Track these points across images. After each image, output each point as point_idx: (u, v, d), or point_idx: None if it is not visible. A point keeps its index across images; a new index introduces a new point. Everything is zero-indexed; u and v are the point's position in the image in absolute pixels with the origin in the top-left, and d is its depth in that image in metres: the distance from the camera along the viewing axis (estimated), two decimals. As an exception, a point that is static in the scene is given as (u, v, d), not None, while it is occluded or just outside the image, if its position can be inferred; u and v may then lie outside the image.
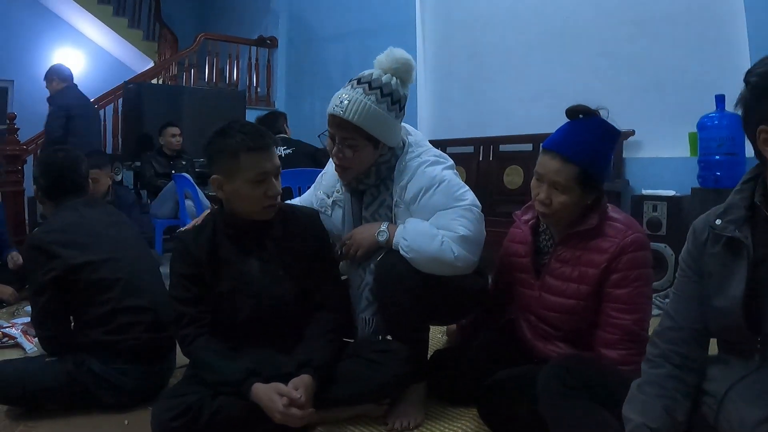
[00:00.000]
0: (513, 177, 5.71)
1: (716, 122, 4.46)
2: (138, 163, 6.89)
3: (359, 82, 2.35)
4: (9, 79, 11.40)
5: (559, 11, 6.07)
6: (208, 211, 2.45)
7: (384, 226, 2.38)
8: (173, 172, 6.39)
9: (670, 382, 1.63)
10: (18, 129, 6.54)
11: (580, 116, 2.17)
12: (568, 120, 2.20)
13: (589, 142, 2.12)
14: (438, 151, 2.53)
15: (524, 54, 6.37)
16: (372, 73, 2.36)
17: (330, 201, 2.59)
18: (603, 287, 2.14)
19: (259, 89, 9.51)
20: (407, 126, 2.57)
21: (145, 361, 2.50)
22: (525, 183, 5.56)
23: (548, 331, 2.32)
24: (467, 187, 2.43)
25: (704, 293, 1.63)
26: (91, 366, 2.41)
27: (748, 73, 1.47)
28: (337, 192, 2.57)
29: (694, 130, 4.70)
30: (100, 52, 12.45)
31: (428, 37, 7.44)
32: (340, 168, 2.42)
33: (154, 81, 8.96)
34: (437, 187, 2.35)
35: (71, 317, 2.56)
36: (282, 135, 5.27)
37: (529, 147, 5.69)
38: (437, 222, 2.31)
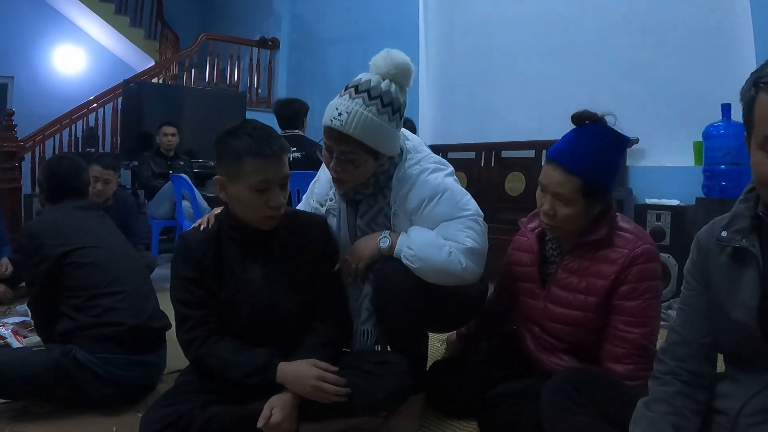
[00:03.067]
0: (515, 183, 5.70)
1: (722, 131, 4.46)
2: (135, 163, 6.83)
3: (357, 90, 2.22)
4: (9, 75, 11.37)
5: (563, 18, 6.05)
6: (217, 211, 2.37)
7: (386, 233, 2.31)
8: (171, 172, 6.36)
9: (679, 399, 1.58)
10: (16, 125, 6.53)
11: (587, 122, 2.11)
12: (574, 127, 2.14)
13: (593, 151, 2.06)
14: (437, 157, 2.46)
15: (527, 60, 6.36)
16: (370, 80, 2.23)
17: (323, 210, 2.52)
18: (611, 299, 2.09)
19: (259, 91, 9.51)
20: (404, 130, 2.47)
21: (129, 350, 2.49)
22: (527, 189, 5.57)
23: (553, 343, 2.26)
24: (470, 196, 2.37)
25: (713, 306, 1.58)
26: (76, 354, 2.40)
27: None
28: (330, 200, 2.50)
29: (699, 139, 4.71)
30: (101, 50, 12.44)
31: (431, 42, 7.43)
32: (338, 182, 2.33)
33: (155, 80, 8.93)
34: (441, 196, 2.28)
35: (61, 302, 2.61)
36: (297, 132, 5.14)
37: (531, 153, 5.70)
38: (443, 233, 2.25)
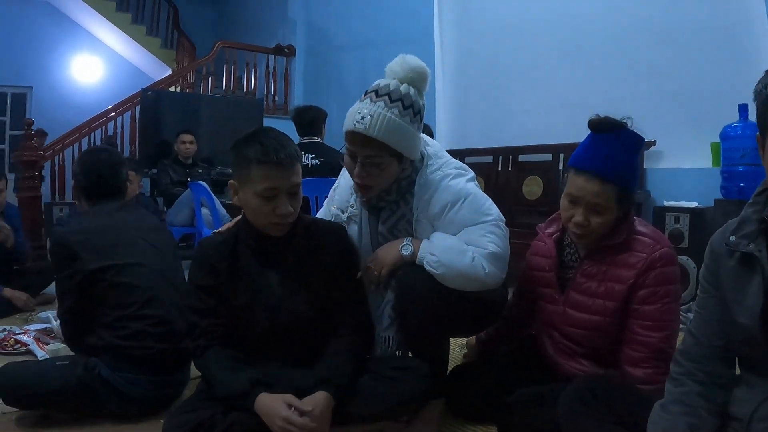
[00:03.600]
0: (532, 187, 5.67)
1: (739, 132, 4.42)
2: (154, 171, 6.88)
3: (378, 94, 2.22)
4: (28, 85, 11.48)
5: (579, 20, 6.03)
6: (238, 218, 2.37)
7: (407, 240, 2.31)
8: (189, 179, 6.40)
9: (695, 399, 1.58)
10: (35, 135, 6.57)
11: (607, 129, 2.08)
12: (593, 133, 2.11)
13: (623, 158, 2.05)
14: (458, 162, 2.46)
15: (544, 63, 6.34)
16: (389, 84, 2.24)
17: (345, 216, 2.52)
18: (630, 303, 2.08)
19: (276, 98, 9.56)
20: (425, 136, 2.47)
21: (153, 372, 2.47)
22: (544, 193, 5.55)
23: (571, 348, 2.26)
24: (491, 201, 2.38)
25: (724, 309, 1.58)
26: (101, 371, 2.38)
27: None
28: (352, 207, 2.50)
29: (717, 140, 4.67)
30: (118, 60, 12.56)
31: (447, 47, 7.42)
32: (363, 188, 2.32)
33: (172, 89, 8.98)
34: (463, 201, 2.29)
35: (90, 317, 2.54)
36: (315, 139, 5.15)
37: (548, 157, 5.67)
38: (466, 238, 2.26)
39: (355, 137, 2.22)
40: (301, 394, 2.02)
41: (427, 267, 2.22)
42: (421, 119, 2.31)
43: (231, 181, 2.21)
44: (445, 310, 2.25)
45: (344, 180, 2.51)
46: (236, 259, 2.25)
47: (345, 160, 2.33)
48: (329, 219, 2.59)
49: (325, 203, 2.74)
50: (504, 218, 2.36)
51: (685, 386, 1.61)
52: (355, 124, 2.19)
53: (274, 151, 2.07)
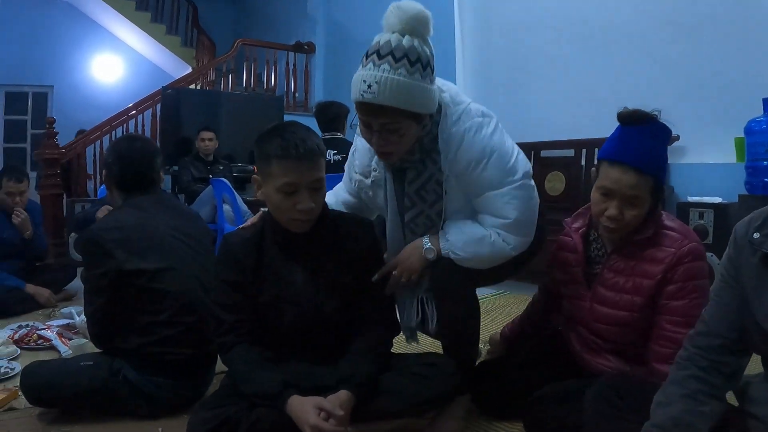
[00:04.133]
0: (555, 183, 5.65)
1: (764, 126, 4.36)
2: (176, 168, 6.90)
3: (379, 56, 2.04)
4: (49, 84, 11.59)
5: (599, 14, 5.98)
6: (262, 213, 2.34)
7: (426, 243, 2.28)
8: (210, 176, 6.42)
9: (692, 382, 1.59)
10: (57, 133, 6.65)
11: (638, 121, 2.06)
12: (622, 126, 2.09)
13: (657, 149, 2.04)
14: (477, 107, 2.32)
15: (565, 58, 6.31)
16: (389, 41, 2.03)
17: (369, 181, 2.45)
18: (658, 299, 2.05)
19: (296, 94, 9.59)
20: (438, 80, 2.26)
21: (181, 375, 2.45)
22: (567, 189, 5.53)
23: (598, 343, 2.25)
24: (516, 150, 2.31)
25: (743, 302, 1.56)
26: (126, 374, 2.37)
27: None
28: (375, 171, 2.42)
29: (741, 134, 4.61)
30: (139, 58, 12.66)
31: (467, 43, 7.39)
32: (384, 155, 2.23)
33: (192, 86, 9.02)
34: (488, 160, 2.21)
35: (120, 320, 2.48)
36: (337, 135, 5.15)
37: (570, 153, 5.65)
38: (488, 208, 2.25)
39: (365, 107, 2.10)
40: (324, 391, 2.01)
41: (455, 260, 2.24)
42: (432, 69, 2.12)
43: (254, 176, 2.18)
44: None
45: (361, 142, 2.43)
46: (262, 254, 2.22)
47: (360, 129, 2.24)
48: (351, 185, 2.59)
49: (346, 168, 2.67)
50: (530, 168, 2.33)
51: (685, 370, 1.62)
52: (362, 95, 2.06)
53: (294, 146, 2.03)
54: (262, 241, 2.24)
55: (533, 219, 2.29)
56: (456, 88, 2.36)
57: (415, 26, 2.04)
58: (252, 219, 2.41)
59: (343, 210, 2.53)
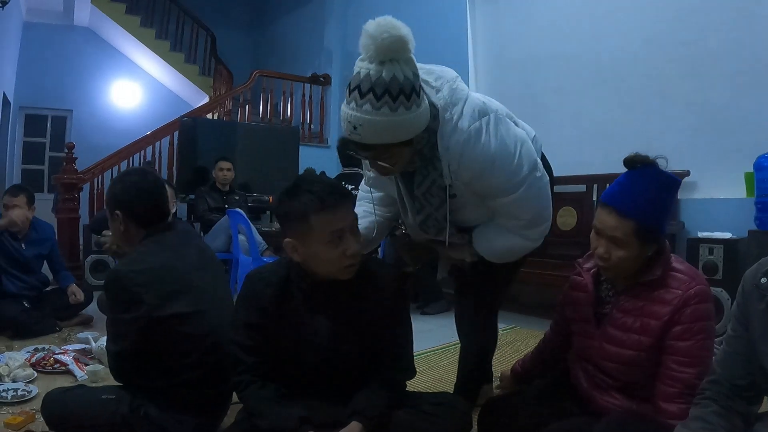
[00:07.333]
0: (566, 218, 5.68)
1: (774, 162, 4.41)
2: (192, 196, 6.98)
3: (361, 93, 1.98)
4: (68, 108, 11.72)
5: (611, 50, 6.05)
6: (283, 259, 2.31)
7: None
8: (226, 206, 6.49)
9: (714, 417, 1.63)
10: (76, 158, 6.73)
11: (639, 165, 2.11)
12: (626, 169, 2.15)
13: (646, 195, 2.07)
14: (474, 103, 2.27)
15: (577, 94, 6.36)
16: (369, 75, 1.97)
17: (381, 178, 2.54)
18: (664, 339, 2.09)
19: (312, 126, 9.66)
20: (432, 70, 2.28)
21: (203, 412, 2.46)
22: (579, 224, 5.56)
23: (606, 381, 2.27)
24: (518, 143, 2.30)
25: (752, 350, 1.60)
26: (148, 411, 2.35)
27: None
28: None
29: (751, 170, 4.65)
30: (157, 86, 12.79)
31: (480, 78, 7.46)
32: (385, 174, 2.32)
33: (209, 116, 9.11)
34: (492, 168, 2.24)
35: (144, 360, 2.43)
36: (357, 171, 5.18)
37: (582, 188, 5.68)
38: (502, 211, 2.39)
39: (355, 144, 2.12)
40: (339, 427, 2.04)
41: None
42: (418, 93, 2.06)
43: (287, 240, 2.12)
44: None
45: None
46: (286, 300, 2.21)
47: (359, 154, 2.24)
48: (367, 195, 2.71)
49: (363, 181, 2.75)
50: (535, 156, 2.41)
51: (706, 408, 1.66)
52: (350, 134, 2.08)
53: (329, 195, 2.05)
54: (287, 286, 2.23)
55: (546, 210, 2.44)
56: (451, 74, 2.32)
57: (393, 55, 1.98)
58: (273, 263, 2.38)
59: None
